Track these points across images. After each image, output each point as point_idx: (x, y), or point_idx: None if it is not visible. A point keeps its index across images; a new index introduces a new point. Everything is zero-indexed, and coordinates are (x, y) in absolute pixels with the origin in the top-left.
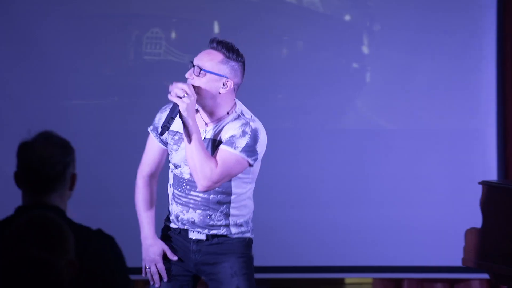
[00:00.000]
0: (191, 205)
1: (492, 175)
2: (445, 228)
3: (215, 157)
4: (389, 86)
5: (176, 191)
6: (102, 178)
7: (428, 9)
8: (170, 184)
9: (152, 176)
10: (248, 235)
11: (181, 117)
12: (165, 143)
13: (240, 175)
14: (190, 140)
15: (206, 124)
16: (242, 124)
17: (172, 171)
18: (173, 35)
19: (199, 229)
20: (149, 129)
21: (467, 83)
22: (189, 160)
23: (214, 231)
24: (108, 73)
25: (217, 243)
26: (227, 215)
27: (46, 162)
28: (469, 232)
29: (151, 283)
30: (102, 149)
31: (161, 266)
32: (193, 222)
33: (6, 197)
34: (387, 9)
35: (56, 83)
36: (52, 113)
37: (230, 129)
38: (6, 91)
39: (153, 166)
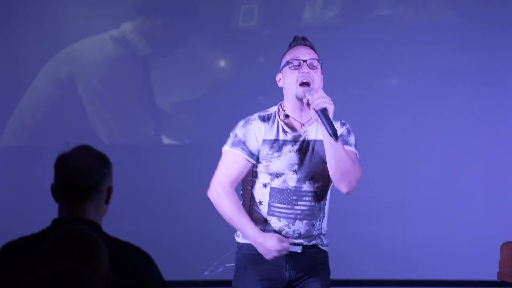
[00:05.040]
0: (298, 216)
1: None
2: (481, 241)
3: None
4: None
5: (278, 205)
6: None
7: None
8: (260, 202)
9: (232, 188)
10: (328, 248)
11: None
12: (254, 156)
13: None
14: (336, 144)
15: (302, 125)
16: (340, 123)
17: (265, 186)
18: None
19: (301, 240)
20: (228, 147)
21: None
22: (340, 162)
23: (313, 241)
24: None
25: (312, 257)
26: (324, 223)
27: (83, 171)
28: (505, 246)
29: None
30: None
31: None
32: (299, 234)
33: (45, 211)
34: None
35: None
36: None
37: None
38: (49, 104)
39: (234, 178)
